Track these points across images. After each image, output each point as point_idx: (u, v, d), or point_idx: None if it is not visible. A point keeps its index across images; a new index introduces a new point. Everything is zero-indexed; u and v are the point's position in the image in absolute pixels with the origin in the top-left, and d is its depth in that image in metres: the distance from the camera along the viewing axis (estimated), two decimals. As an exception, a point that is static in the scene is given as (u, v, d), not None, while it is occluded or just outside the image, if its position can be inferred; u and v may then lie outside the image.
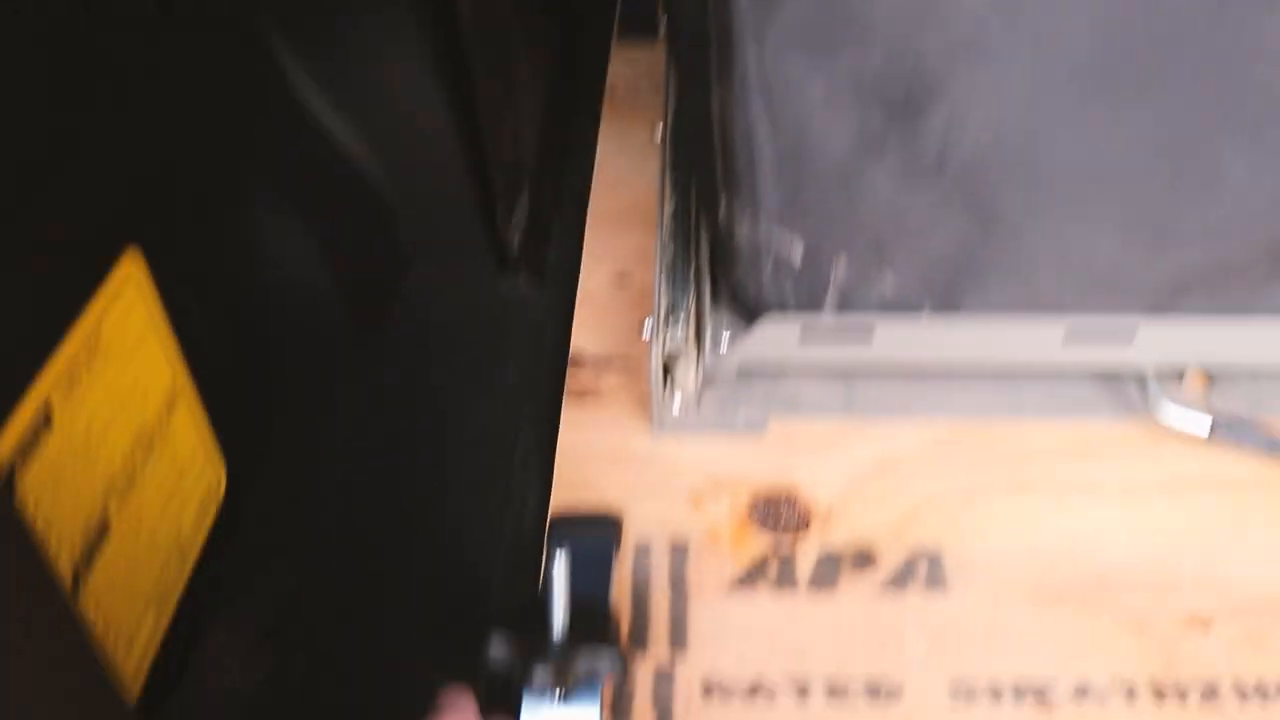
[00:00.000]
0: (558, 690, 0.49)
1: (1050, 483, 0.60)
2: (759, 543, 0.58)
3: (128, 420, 0.52)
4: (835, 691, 0.52)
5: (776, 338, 0.59)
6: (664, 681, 0.53)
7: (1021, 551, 0.58)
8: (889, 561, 0.57)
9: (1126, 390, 0.64)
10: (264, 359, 0.66)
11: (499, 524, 0.62)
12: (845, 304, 0.59)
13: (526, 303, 0.73)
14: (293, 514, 0.64)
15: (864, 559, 0.57)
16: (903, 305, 0.59)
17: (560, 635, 0.48)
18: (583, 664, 0.47)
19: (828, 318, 0.59)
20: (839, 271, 0.58)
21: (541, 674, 0.46)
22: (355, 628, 0.59)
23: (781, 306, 0.59)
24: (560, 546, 0.47)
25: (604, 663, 0.47)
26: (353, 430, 0.68)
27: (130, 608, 0.53)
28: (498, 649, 0.48)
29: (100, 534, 0.50)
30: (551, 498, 0.60)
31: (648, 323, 0.64)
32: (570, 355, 0.68)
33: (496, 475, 0.64)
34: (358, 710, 0.55)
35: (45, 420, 0.46)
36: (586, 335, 0.69)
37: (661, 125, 0.73)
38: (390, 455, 0.66)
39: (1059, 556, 0.57)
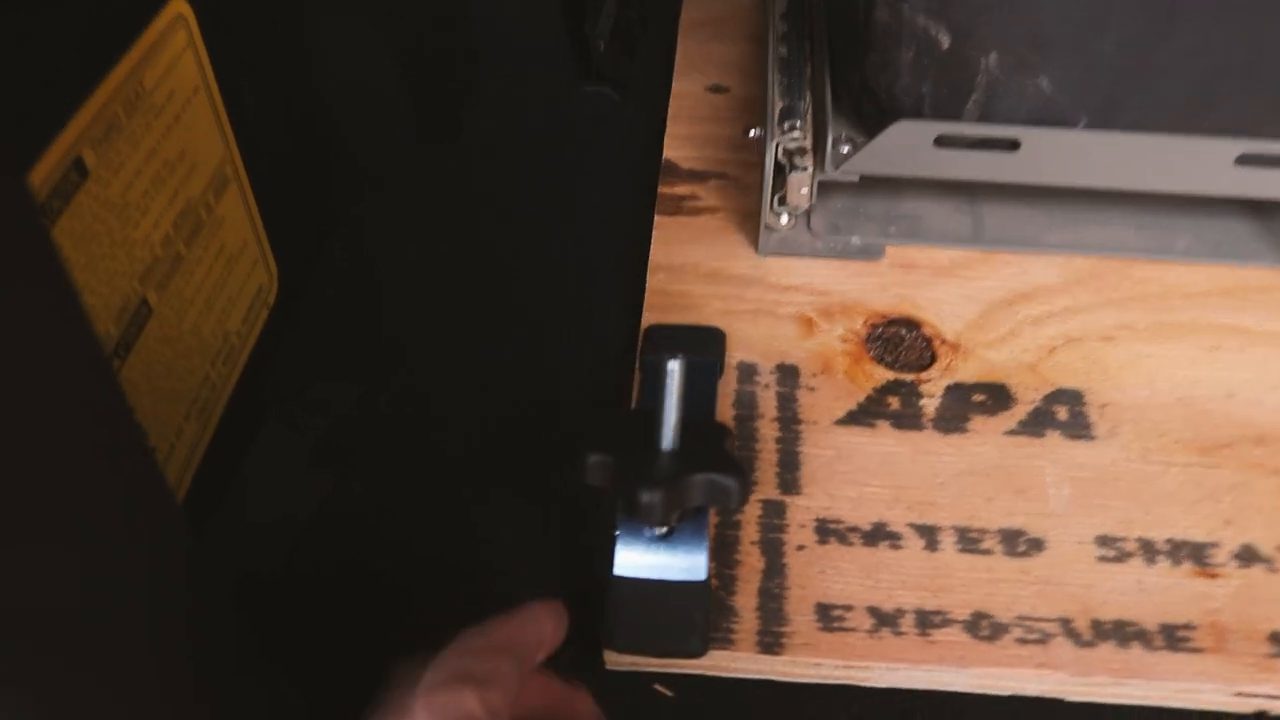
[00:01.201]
0: (660, 529, 0.40)
1: (1204, 327, 0.51)
2: (878, 375, 0.49)
3: (172, 192, 0.43)
4: (968, 540, 0.44)
5: (908, 146, 0.50)
6: (773, 522, 0.44)
7: (1172, 399, 0.49)
8: (1025, 403, 0.48)
9: (1289, 232, 0.55)
10: (320, 158, 0.57)
11: (577, 346, 0.53)
12: (988, 112, 0.50)
13: (610, 112, 0.63)
14: (349, 327, 0.55)
15: (997, 399, 0.49)
16: (1054, 116, 0.49)
17: (671, 456, 0.39)
18: (700, 491, 0.38)
19: (968, 125, 0.49)
20: (987, 70, 0.48)
21: (650, 501, 0.38)
22: (416, 451, 0.50)
23: (916, 111, 0.50)
24: (671, 356, 0.38)
25: (728, 487, 0.38)
26: (415, 241, 0.58)
27: (170, 410, 0.44)
28: (597, 473, 0.39)
29: (138, 319, 0.41)
30: (642, 319, 0.51)
31: (755, 130, 0.54)
32: (662, 167, 0.58)
33: (575, 294, 0.55)
34: (422, 538, 0.47)
35: (78, 168, 0.37)
36: (680, 147, 0.59)
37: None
38: (456, 270, 0.57)
39: (1214, 407, 0.48)
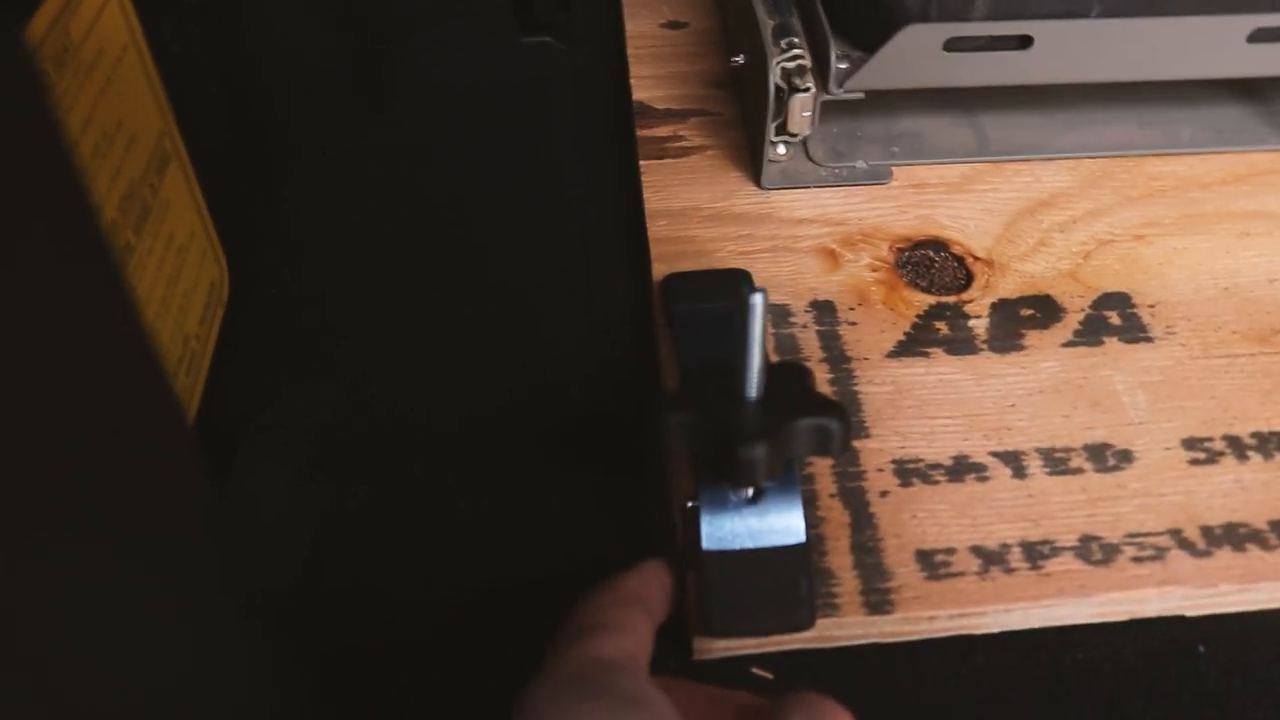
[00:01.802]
0: (747, 492, 0.34)
1: (1229, 215, 0.48)
2: (917, 301, 0.45)
3: (114, 168, 0.35)
4: (1055, 461, 0.39)
5: (917, 52, 0.45)
6: (847, 470, 0.39)
7: (1217, 291, 0.45)
8: (1074, 312, 0.44)
9: (1290, 114, 0.52)
10: (258, 130, 0.49)
11: (570, 314, 0.47)
12: (997, 9, 0.45)
13: (557, 62, 0.56)
14: (312, 319, 0.48)
15: (1045, 311, 0.44)
16: (1066, 7, 0.45)
17: (758, 405, 0.33)
18: (803, 438, 0.33)
19: (979, 24, 0.45)
20: (996, -38, 0.44)
21: (751, 456, 0.32)
22: (417, 449, 0.43)
23: (923, 14, 0.45)
24: (751, 290, 0.32)
25: (832, 430, 0.32)
26: (367, 217, 0.51)
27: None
28: (681, 436, 0.33)
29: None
30: (653, 270, 0.45)
31: (739, 56, 0.49)
32: (636, 110, 0.52)
33: (558, 258, 0.49)
34: (449, 540, 0.40)
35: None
36: (650, 89, 0.53)
37: None
38: (419, 246, 0.50)
39: (1261, 293, 0.45)
